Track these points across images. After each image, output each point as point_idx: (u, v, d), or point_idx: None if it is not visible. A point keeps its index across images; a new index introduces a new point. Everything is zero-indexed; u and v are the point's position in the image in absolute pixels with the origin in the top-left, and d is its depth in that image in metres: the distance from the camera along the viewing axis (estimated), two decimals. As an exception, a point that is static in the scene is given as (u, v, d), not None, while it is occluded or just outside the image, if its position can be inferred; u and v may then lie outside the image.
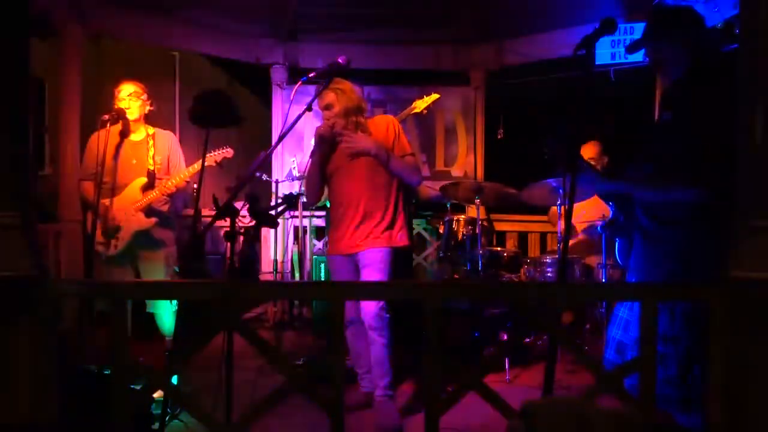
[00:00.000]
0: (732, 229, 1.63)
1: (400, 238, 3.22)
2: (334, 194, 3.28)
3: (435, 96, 4.14)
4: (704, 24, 2.22)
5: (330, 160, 3.26)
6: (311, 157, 3.31)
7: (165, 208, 3.61)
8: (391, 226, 3.19)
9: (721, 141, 1.94)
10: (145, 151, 3.56)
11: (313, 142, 3.30)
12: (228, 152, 3.51)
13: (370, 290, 2.28)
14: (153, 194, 3.49)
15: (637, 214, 2.27)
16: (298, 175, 4.67)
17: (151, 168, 3.54)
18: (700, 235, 2.08)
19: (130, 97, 3.52)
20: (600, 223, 4.08)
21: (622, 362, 2.24)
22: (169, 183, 3.49)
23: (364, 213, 3.15)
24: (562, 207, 3.78)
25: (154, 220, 3.51)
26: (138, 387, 1.92)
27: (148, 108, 3.62)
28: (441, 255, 4.77)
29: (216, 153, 3.47)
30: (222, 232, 5.86)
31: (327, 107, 3.19)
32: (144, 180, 3.51)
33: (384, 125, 3.26)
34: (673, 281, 2.11)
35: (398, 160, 3.20)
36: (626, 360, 2.24)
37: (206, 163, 3.46)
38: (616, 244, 2.50)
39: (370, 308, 3.10)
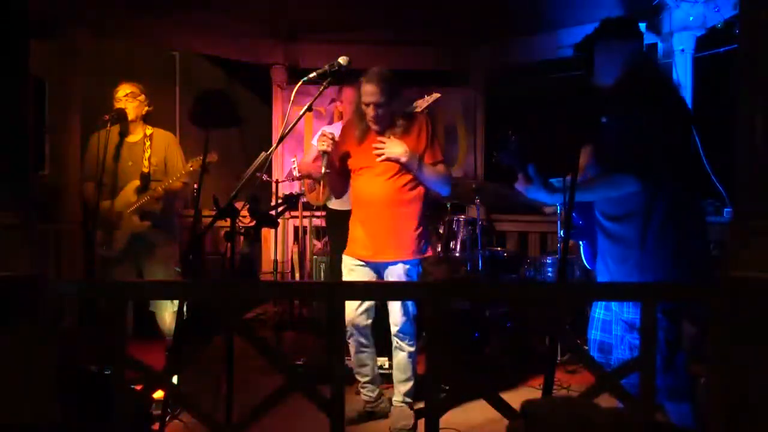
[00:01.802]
0: (730, 229, 1.63)
1: (427, 247, 3.13)
2: (358, 193, 3.14)
3: (436, 95, 4.10)
4: (642, 39, 2.43)
5: (354, 158, 3.13)
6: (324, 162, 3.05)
7: (157, 207, 3.54)
8: (417, 231, 3.07)
9: (650, 140, 2.15)
10: (140, 153, 3.54)
11: (315, 142, 3.25)
12: (212, 156, 3.35)
13: (370, 291, 2.27)
14: (145, 197, 3.47)
15: (595, 215, 2.40)
16: (298, 175, 4.67)
17: (146, 170, 3.51)
18: (654, 226, 2.19)
19: (126, 98, 3.49)
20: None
21: (606, 361, 2.31)
22: (159, 188, 3.45)
23: (390, 216, 3.03)
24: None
25: (147, 223, 3.49)
26: (138, 387, 1.93)
27: (146, 109, 3.59)
28: (441, 255, 4.77)
29: (199, 159, 3.33)
30: (222, 233, 5.85)
31: (379, 105, 2.99)
32: (137, 182, 3.50)
33: (416, 128, 3.08)
34: (640, 274, 2.19)
35: (429, 169, 3.03)
36: (611, 358, 2.31)
37: (190, 168, 3.45)
38: (581, 246, 2.54)
39: (401, 318, 3.04)
